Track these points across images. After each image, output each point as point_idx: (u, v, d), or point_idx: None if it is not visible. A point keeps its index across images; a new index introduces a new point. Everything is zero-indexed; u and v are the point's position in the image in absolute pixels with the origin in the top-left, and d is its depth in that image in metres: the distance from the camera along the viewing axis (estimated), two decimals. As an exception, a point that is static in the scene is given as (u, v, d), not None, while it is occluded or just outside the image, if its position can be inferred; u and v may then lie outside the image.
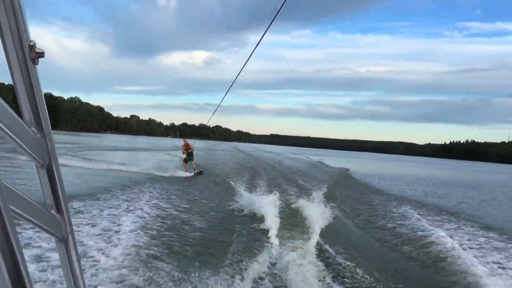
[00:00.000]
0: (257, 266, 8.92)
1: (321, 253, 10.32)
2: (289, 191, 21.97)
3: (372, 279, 8.70)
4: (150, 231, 10.94)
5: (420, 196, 26.37)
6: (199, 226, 12.80)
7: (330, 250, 10.73)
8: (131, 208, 13.74)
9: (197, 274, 8.03)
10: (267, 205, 14.06)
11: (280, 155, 79.74)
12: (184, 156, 28.92)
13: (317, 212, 13.90)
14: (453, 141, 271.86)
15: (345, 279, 8.67)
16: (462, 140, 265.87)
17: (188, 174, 27.15)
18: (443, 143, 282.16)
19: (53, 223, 1.10)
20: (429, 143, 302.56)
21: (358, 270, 9.15)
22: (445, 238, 12.88)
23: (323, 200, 18.04)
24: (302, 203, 15.31)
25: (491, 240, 13.46)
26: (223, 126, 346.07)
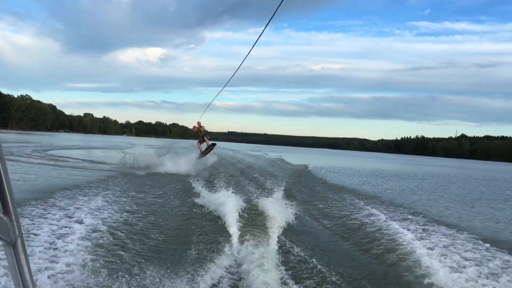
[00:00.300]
0: (217, 266, 8.76)
1: (281, 251, 10.28)
2: (250, 189, 21.84)
3: (332, 276, 8.71)
4: (104, 232, 10.54)
5: (374, 190, 27.18)
6: (156, 226, 12.46)
7: (291, 247, 10.71)
8: (85, 208, 13.18)
9: (153, 276, 7.80)
10: (227, 204, 13.83)
11: (238, 152, 79.75)
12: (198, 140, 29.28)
13: (277, 210, 13.81)
14: (404, 137, 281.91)
15: (306, 276, 8.65)
16: (412, 135, 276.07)
17: (203, 154, 28.15)
18: (394, 138, 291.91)
19: (1, 226, 1.05)
20: (382, 139, 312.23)
21: (318, 267, 9.16)
22: (399, 229, 13.25)
23: (284, 197, 18.01)
24: (263, 201, 15.17)
25: (441, 232, 13.80)
26: (180, 124, 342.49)
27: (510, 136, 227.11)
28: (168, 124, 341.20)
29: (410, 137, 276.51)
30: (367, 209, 18.06)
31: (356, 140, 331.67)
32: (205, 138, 28.14)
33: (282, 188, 22.41)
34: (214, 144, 28.20)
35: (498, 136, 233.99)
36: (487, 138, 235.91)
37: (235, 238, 10.76)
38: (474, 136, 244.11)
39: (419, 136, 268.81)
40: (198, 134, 28.59)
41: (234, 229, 11.35)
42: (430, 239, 12.51)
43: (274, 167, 44.40)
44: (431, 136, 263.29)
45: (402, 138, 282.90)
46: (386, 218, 15.63)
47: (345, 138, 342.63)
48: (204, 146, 28.70)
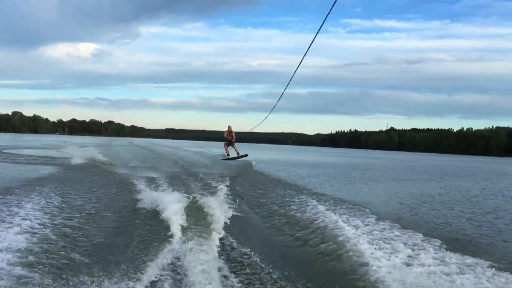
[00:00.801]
0: (156, 265, 8.62)
1: (224, 249, 10.23)
2: (192, 186, 21.55)
3: (274, 272, 8.75)
4: (39, 235, 10.02)
5: (314, 183, 27.93)
6: (95, 226, 12.00)
7: (233, 244, 10.66)
8: (18, 210, 12.34)
9: (91, 277, 7.52)
10: (169, 202, 13.56)
11: (179, 149, 78.61)
12: (227, 145, 28.99)
13: (220, 207, 13.69)
14: (338, 131, 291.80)
15: (247, 273, 8.65)
16: (347, 129, 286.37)
17: (230, 157, 28.23)
18: (329, 132, 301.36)
19: None
20: (318, 133, 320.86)
21: (260, 263, 9.18)
22: (339, 222, 13.41)
23: (227, 193, 17.83)
24: (205, 198, 14.96)
25: (379, 223, 14.33)
26: (116, 121, 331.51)
27: (434, 128, 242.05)
28: (103, 122, 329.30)
29: (344, 131, 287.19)
30: (310, 203, 18.37)
31: (294, 135, 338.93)
32: (234, 145, 28.38)
33: (226, 184, 22.23)
34: (245, 155, 28.71)
35: (424, 129, 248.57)
36: (414, 130, 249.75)
37: (176, 237, 10.57)
38: (402, 129, 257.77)
39: (353, 130, 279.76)
40: (228, 138, 28.56)
41: (175, 228, 11.14)
42: (371, 233, 12.77)
43: (217, 164, 44.24)
44: (364, 130, 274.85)
45: (336, 132, 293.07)
46: (326, 211, 15.92)
47: (283, 133, 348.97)
48: (231, 151, 28.84)
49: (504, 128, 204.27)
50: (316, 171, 43.55)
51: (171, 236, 10.69)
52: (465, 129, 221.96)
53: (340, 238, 11.34)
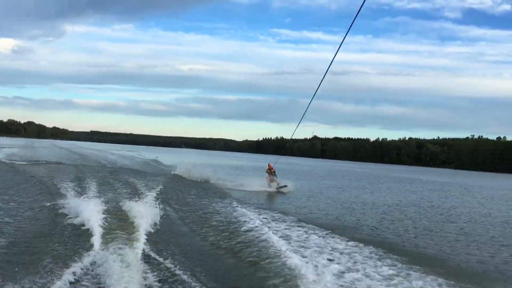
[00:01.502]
0: (75, 274, 8.15)
1: (147, 255, 9.84)
2: (119, 191, 20.87)
3: (195, 279, 8.60)
4: None
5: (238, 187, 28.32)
6: (10, 233, 11.15)
7: (157, 251, 10.29)
8: None
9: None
10: (92, 208, 12.92)
11: (106, 152, 76.11)
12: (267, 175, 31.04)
13: (146, 213, 13.17)
14: (265, 138, 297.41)
15: (169, 281, 8.37)
16: (274, 136, 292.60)
17: (271, 189, 29.33)
18: (257, 139, 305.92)
19: None
20: (246, 140, 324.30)
21: (183, 270, 8.94)
22: (262, 228, 13.68)
23: (155, 199, 17.38)
24: (131, 204, 14.41)
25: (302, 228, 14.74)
26: (37, 122, 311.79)
27: (354, 138, 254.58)
28: (22, 122, 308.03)
29: (271, 137, 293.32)
30: (236, 207, 18.56)
31: (223, 141, 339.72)
32: (274, 177, 30.67)
33: (153, 190, 21.69)
34: (285, 186, 29.76)
35: (345, 138, 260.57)
36: (336, 139, 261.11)
37: (96, 243, 10.08)
38: (325, 138, 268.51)
39: (279, 137, 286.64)
40: (269, 172, 31.03)
41: (96, 235, 10.66)
42: (291, 237, 13.13)
43: (148, 168, 43.47)
44: (291, 137, 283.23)
45: (264, 138, 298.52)
46: (251, 215, 16.16)
47: (212, 138, 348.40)
48: (272, 181, 30.54)
49: (414, 139, 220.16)
50: (244, 174, 44.11)
51: (91, 243, 10.16)
52: (380, 139, 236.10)
53: (263, 243, 11.52)
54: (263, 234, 12.94)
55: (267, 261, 10.11)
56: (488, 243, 15.23)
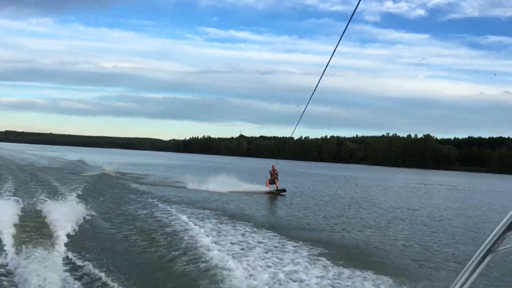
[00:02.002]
0: None
1: (67, 258, 9.32)
2: (37, 194, 19.79)
3: (118, 280, 8.30)
4: None
5: (163, 187, 27.98)
6: None
7: (78, 254, 9.76)
8: None
9: None
10: (5, 211, 12.14)
11: (22, 153, 72.37)
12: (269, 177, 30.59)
13: (67, 215, 12.48)
14: (192, 137, 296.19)
15: (92, 284, 8.00)
16: (201, 136, 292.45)
17: (269, 189, 29.16)
18: (184, 138, 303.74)
19: None
20: (173, 139, 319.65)
21: (105, 272, 8.55)
22: (189, 225, 13.61)
23: (76, 201, 16.59)
24: (50, 207, 13.63)
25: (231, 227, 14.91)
26: None
27: (278, 136, 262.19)
28: None
29: (198, 137, 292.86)
30: (161, 206, 18.35)
31: (149, 140, 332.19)
32: (275, 180, 30.02)
33: (76, 191, 20.78)
34: (284, 190, 29.42)
35: (271, 136, 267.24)
36: (262, 138, 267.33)
37: (11, 249, 9.43)
38: (252, 136, 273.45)
39: (206, 136, 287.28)
40: (271, 175, 30.40)
41: (9, 239, 10.03)
42: (225, 238, 12.99)
43: (72, 169, 42.50)
44: (218, 136, 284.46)
45: (191, 138, 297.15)
46: (178, 214, 16.00)
47: (138, 138, 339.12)
48: (271, 185, 30.08)
49: (335, 137, 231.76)
50: (168, 173, 44.50)
51: (3, 249, 9.49)
52: (303, 138, 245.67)
53: (190, 241, 11.49)
54: (189, 230, 12.88)
55: (191, 257, 10.00)
56: (355, 223, 16.65)
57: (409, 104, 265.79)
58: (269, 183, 30.33)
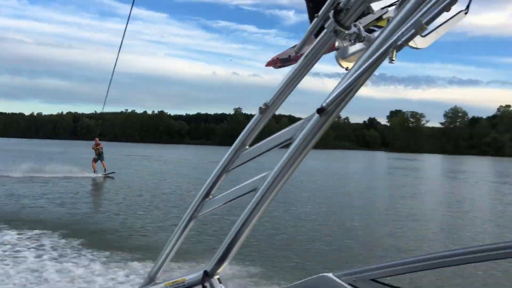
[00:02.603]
0: None
1: None
2: None
3: None
4: None
5: None
6: None
7: None
8: None
9: None
10: None
11: None
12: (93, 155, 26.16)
13: None
14: None
15: None
16: None
17: (97, 175, 24.90)
18: None
19: None
20: None
21: None
22: None
23: None
24: None
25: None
26: None
27: (7, 113, 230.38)
28: None
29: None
30: None
31: None
32: (102, 161, 26.19)
33: None
34: (113, 172, 26.04)
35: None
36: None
37: None
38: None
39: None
40: (95, 151, 26.25)
41: None
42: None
43: None
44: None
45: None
46: None
47: None
48: (98, 166, 25.97)
49: (70, 113, 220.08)
50: None
51: None
52: (36, 114, 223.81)
53: None
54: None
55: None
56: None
57: (148, 81, 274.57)
58: (95, 161, 26.17)
